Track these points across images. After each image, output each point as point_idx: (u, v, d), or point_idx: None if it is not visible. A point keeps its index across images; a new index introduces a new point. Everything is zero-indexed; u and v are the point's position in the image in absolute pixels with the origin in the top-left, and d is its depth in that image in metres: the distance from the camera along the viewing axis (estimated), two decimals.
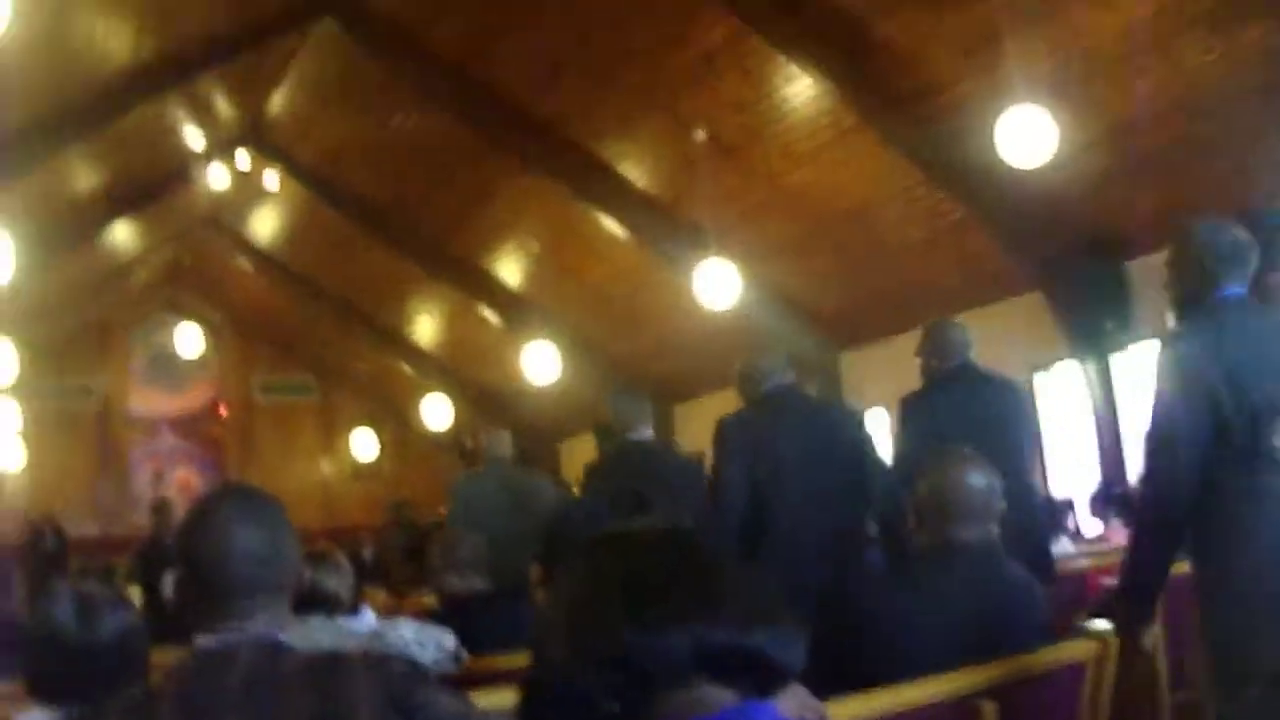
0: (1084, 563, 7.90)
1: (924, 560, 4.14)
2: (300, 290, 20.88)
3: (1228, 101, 9.03)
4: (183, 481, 23.29)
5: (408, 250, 17.52)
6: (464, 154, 14.58)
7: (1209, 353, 4.24)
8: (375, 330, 21.34)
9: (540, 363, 15.61)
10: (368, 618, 5.09)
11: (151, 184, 16.71)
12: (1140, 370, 10.77)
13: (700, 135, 12.15)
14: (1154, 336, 7.76)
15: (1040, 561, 5.86)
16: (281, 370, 24.76)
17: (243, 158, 16.75)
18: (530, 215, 15.70)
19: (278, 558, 2.71)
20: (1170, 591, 4.50)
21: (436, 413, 20.59)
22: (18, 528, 18.10)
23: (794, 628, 1.41)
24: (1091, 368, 11.58)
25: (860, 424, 7.27)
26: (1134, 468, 8.92)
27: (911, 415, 6.78)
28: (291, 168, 17.02)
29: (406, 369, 21.82)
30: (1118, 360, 11.48)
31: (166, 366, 23.54)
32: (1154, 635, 5.07)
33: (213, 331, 22.63)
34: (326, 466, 24.47)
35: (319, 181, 17.13)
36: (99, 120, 12.93)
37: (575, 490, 11.29)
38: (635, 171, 13.68)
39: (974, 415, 6.33)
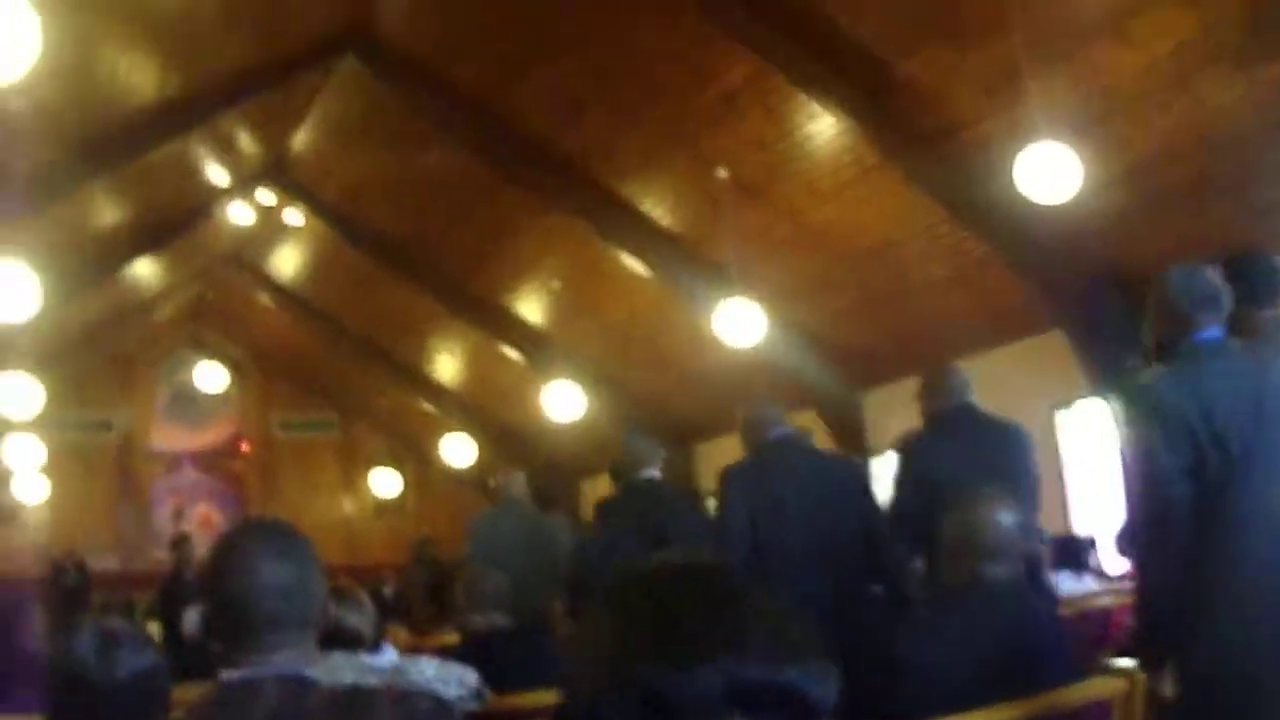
0: (1108, 600, 7.85)
1: (952, 598, 4.14)
2: (322, 327, 20.92)
3: (1250, 138, 9.01)
4: (203, 517, 23.29)
5: (429, 287, 17.53)
6: (486, 191, 14.61)
7: (1186, 390, 4.26)
8: (397, 367, 21.35)
9: (562, 401, 15.62)
10: (389, 655, 5.08)
11: (174, 220, 16.76)
12: None
13: (722, 173, 12.15)
14: None
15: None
16: (303, 407, 24.78)
17: (265, 194, 16.82)
18: (552, 253, 15.70)
19: (304, 593, 2.71)
20: None
21: (458, 450, 20.60)
22: (39, 562, 18.13)
23: (826, 664, 1.40)
24: (1114, 404, 11.53)
25: (862, 474, 7.44)
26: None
27: (911, 458, 6.85)
28: (314, 205, 17.08)
29: (428, 406, 21.80)
30: None
31: (188, 402, 23.59)
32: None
33: (234, 367, 22.68)
34: (348, 503, 24.47)
35: (341, 218, 17.17)
36: (122, 156, 12.98)
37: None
38: (657, 209, 13.68)
39: (974, 457, 6.38)
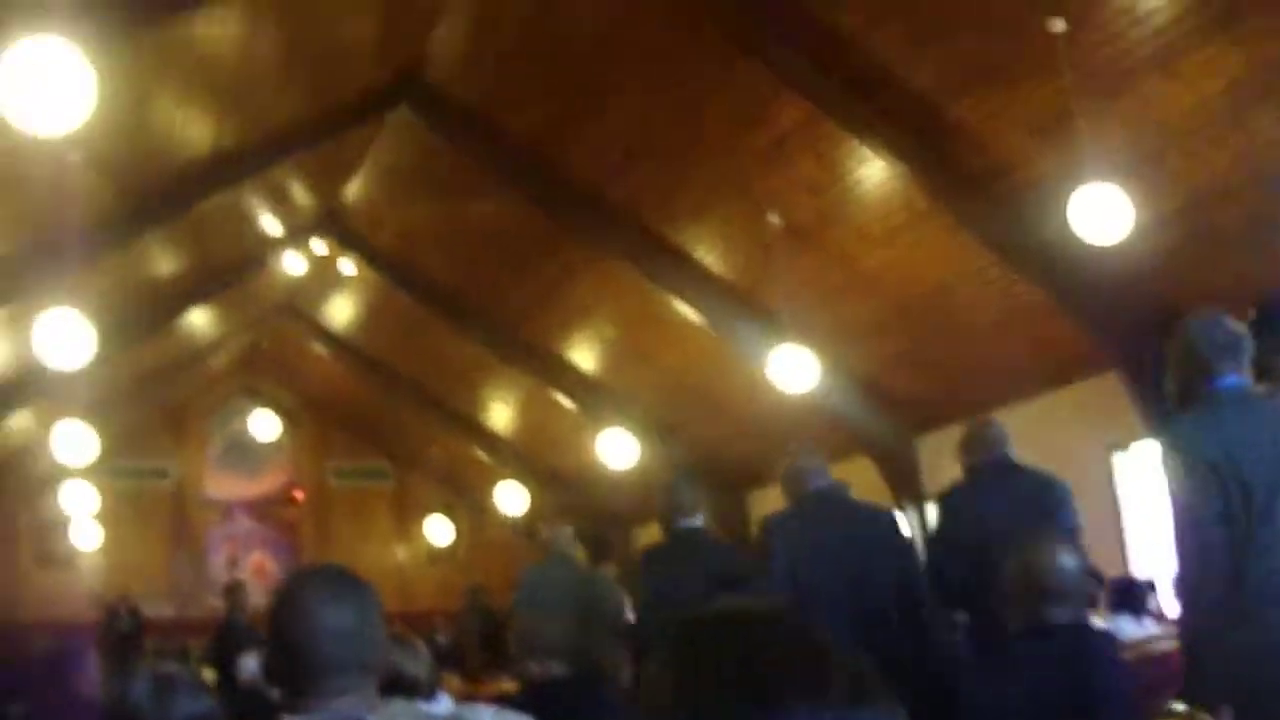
0: (1168, 644, 7.77)
1: (1017, 641, 4.13)
2: (375, 376, 20.99)
3: None
4: (257, 565, 23.36)
5: (482, 335, 17.57)
6: (538, 239, 14.65)
7: (1209, 438, 4.30)
8: (450, 415, 21.36)
9: (615, 448, 15.63)
10: (445, 703, 5.07)
11: (228, 270, 16.88)
12: None
13: (774, 219, 12.15)
14: None
15: None
16: (357, 455, 24.85)
17: (319, 244, 16.91)
18: (605, 300, 15.71)
19: (365, 637, 2.71)
20: None
21: (511, 498, 20.61)
22: (93, 607, 18.23)
23: (897, 707, 1.38)
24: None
25: (898, 526, 7.51)
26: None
27: (948, 509, 7.02)
28: (367, 254, 17.15)
29: (481, 454, 21.81)
30: None
31: (242, 450, 23.72)
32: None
33: (288, 416, 22.79)
34: (401, 551, 24.49)
35: (394, 267, 17.24)
36: (177, 207, 13.08)
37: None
38: (710, 256, 13.68)
39: (1011, 508, 6.45)
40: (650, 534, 19.53)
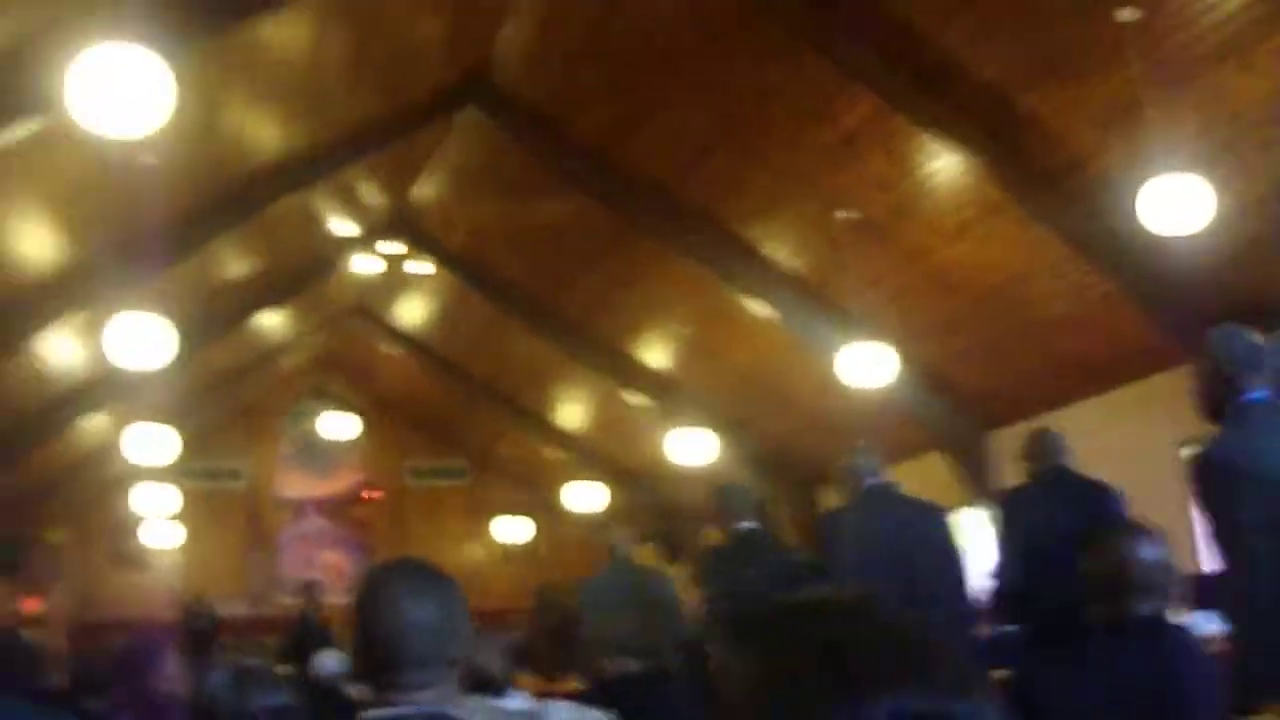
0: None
1: (1099, 636, 4.08)
2: (448, 375, 21.05)
3: None
4: (331, 564, 23.48)
5: (554, 334, 17.60)
6: (608, 238, 14.68)
7: (1240, 451, 4.44)
8: (523, 414, 21.42)
9: (688, 446, 15.62)
10: (519, 699, 5.09)
11: (299, 271, 16.98)
12: None
13: (844, 215, 12.11)
14: None
15: None
16: (431, 455, 24.92)
17: (389, 245, 16.98)
18: (675, 297, 15.70)
19: (449, 632, 2.72)
20: None
21: (584, 497, 20.64)
22: (170, 607, 18.37)
23: (990, 698, 1.37)
24: None
25: (948, 526, 7.87)
26: None
27: (1008, 510, 7.37)
28: (438, 254, 17.21)
29: (555, 452, 21.86)
30: None
31: (315, 451, 23.85)
32: None
33: (361, 416, 22.88)
34: (476, 550, 24.52)
35: (465, 267, 17.29)
36: (248, 209, 13.18)
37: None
38: (781, 252, 13.65)
39: (1064, 514, 6.78)
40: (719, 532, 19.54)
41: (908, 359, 13.06)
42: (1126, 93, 9.04)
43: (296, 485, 24.14)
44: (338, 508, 24.37)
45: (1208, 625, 8.01)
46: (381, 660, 2.67)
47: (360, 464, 24.45)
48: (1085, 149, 10.21)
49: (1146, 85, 8.81)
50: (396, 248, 17.03)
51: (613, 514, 20.31)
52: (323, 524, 24.15)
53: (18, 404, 14.77)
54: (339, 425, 21.76)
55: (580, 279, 16.19)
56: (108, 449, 17.53)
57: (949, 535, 7.74)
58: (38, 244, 11.76)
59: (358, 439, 22.86)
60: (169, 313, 10.95)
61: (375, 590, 2.78)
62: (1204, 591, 8.80)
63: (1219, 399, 4.64)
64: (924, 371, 14.02)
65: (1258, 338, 4.66)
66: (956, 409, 14.50)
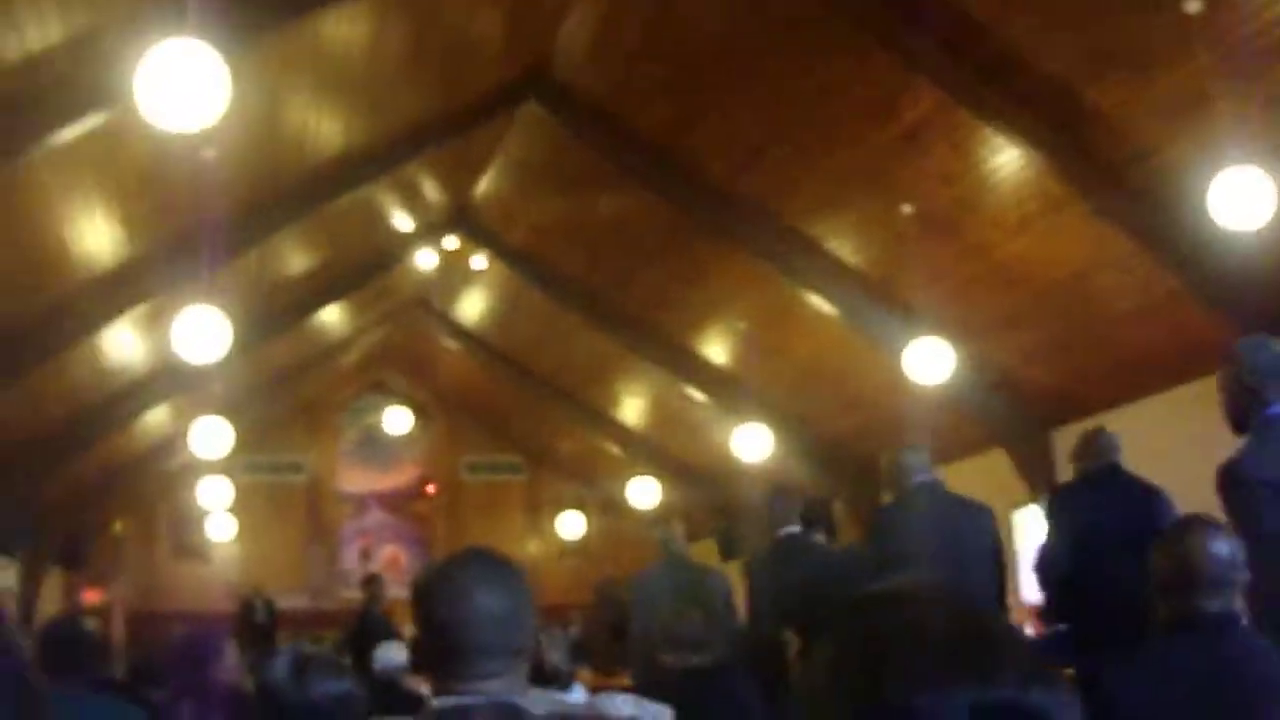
0: None
1: (1166, 633, 4.02)
2: (507, 370, 21.08)
3: None
4: (390, 558, 23.59)
5: (614, 330, 17.59)
6: (669, 233, 14.65)
7: (1267, 464, 4.42)
8: (582, 409, 21.41)
9: (749, 442, 15.59)
10: (579, 693, 5.08)
11: (360, 267, 17.04)
12: None
13: (907, 209, 12.03)
14: None
15: None
16: (489, 450, 25.00)
17: (450, 240, 17.01)
18: (737, 293, 15.65)
19: (516, 622, 2.71)
20: None
21: (643, 492, 20.63)
22: (230, 599, 18.52)
23: (1068, 689, 1.35)
24: None
25: (994, 525, 8.06)
26: None
27: (1057, 506, 7.53)
28: (498, 249, 17.23)
29: (614, 448, 21.86)
30: None
31: (375, 445, 23.99)
32: None
33: (420, 411, 22.97)
34: (534, 545, 24.57)
35: (525, 262, 17.29)
36: (310, 205, 13.25)
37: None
38: (843, 248, 13.57)
39: (1114, 511, 6.92)
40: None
41: (970, 355, 12.98)
42: (1192, 85, 8.93)
43: (356, 479, 24.28)
44: (398, 502, 24.48)
45: None
46: (447, 649, 2.65)
47: (419, 458, 24.55)
48: (1150, 142, 10.09)
49: (1213, 77, 8.70)
50: (458, 243, 17.05)
51: (668, 510, 20.28)
52: (383, 518, 24.27)
53: (81, 397, 14.89)
54: (399, 419, 21.85)
55: (640, 274, 16.17)
56: (170, 442, 17.66)
57: (995, 535, 7.92)
58: (101, 238, 11.82)
59: (417, 433, 22.96)
60: (231, 307, 11.00)
61: (444, 578, 2.77)
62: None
63: (1244, 410, 4.60)
64: (987, 367, 13.92)
65: None
66: (1019, 405, 14.39)
